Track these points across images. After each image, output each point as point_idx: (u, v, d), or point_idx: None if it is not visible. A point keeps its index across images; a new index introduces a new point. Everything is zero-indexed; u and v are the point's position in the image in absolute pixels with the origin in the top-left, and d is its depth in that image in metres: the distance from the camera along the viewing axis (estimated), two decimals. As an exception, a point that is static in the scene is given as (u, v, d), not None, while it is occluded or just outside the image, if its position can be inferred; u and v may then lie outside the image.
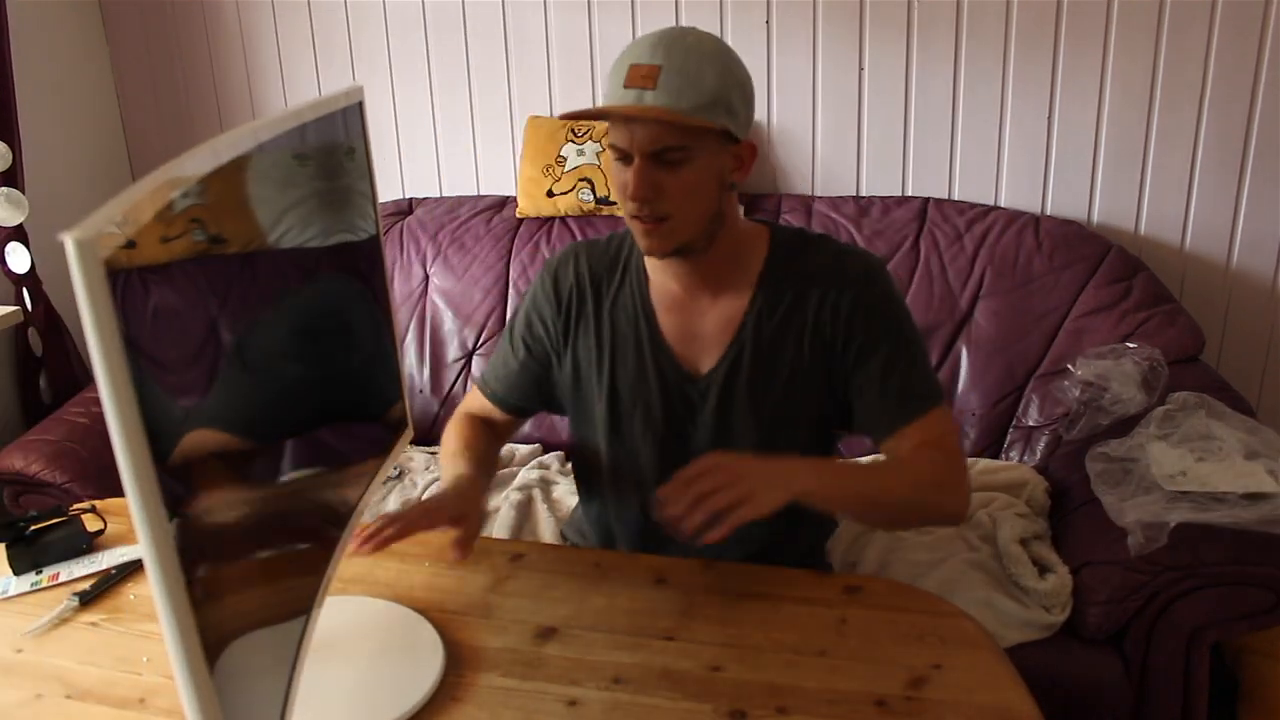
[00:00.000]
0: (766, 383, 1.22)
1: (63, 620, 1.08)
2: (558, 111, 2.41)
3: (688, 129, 1.11)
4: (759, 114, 2.30)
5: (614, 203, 2.24)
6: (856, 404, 1.22)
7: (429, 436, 2.26)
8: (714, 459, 1.03)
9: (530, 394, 1.35)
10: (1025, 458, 1.94)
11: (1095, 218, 2.19)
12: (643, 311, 1.26)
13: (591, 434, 1.32)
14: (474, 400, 1.40)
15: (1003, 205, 2.22)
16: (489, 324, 2.24)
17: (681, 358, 1.25)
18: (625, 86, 1.11)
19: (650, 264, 1.27)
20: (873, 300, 1.20)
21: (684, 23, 2.27)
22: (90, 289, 0.53)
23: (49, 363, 2.42)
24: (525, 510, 1.84)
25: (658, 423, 1.26)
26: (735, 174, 1.19)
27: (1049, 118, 2.15)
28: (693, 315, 1.25)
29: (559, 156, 2.29)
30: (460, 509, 1.13)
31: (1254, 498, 1.44)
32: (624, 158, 1.14)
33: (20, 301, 2.35)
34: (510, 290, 2.24)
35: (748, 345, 1.22)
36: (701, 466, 1.02)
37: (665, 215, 1.14)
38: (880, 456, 1.23)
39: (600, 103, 1.15)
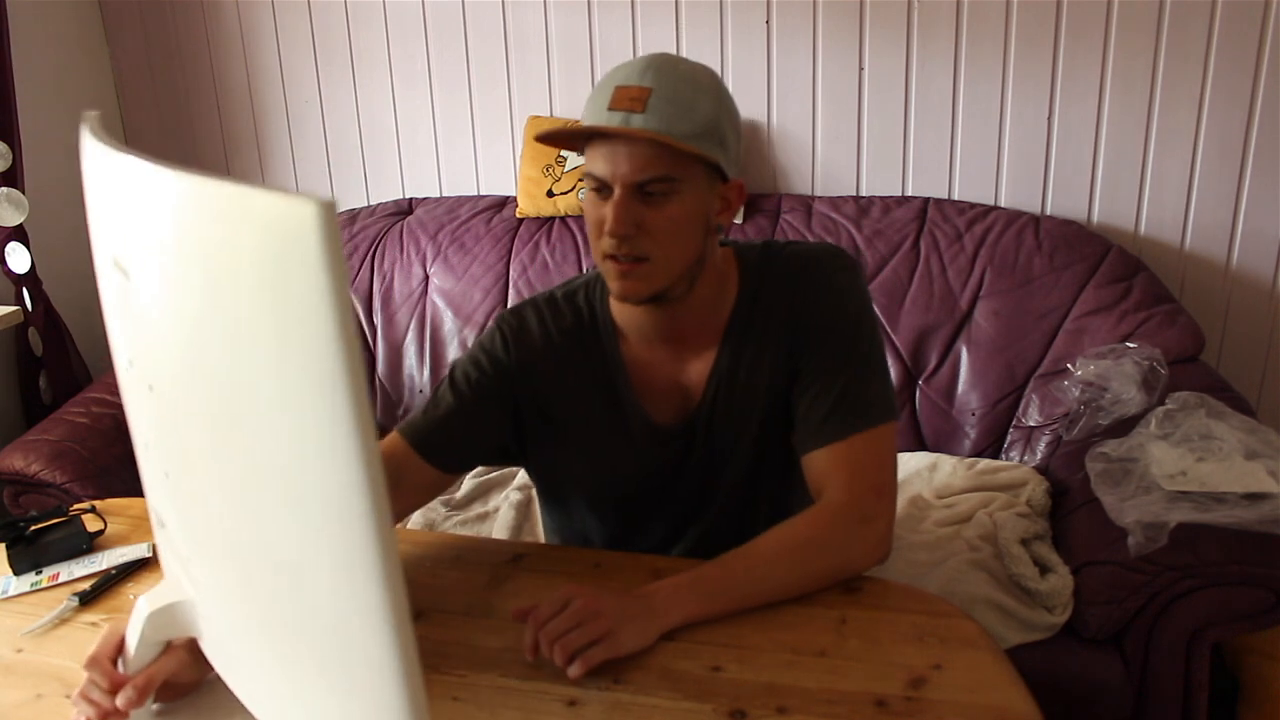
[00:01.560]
0: (744, 424, 1.18)
1: (62, 620, 1.08)
2: (557, 111, 2.41)
3: (677, 158, 1.02)
4: (759, 114, 2.30)
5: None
6: (795, 415, 1.15)
7: (429, 436, 2.26)
8: (570, 592, 0.97)
9: (474, 448, 1.21)
10: (1025, 458, 1.94)
11: (1095, 218, 2.19)
12: (616, 369, 1.19)
13: (567, 487, 1.28)
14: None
15: (1003, 205, 2.22)
16: (489, 324, 2.23)
17: (659, 414, 1.20)
18: (610, 108, 1.02)
19: (621, 317, 1.18)
20: (822, 313, 1.14)
21: (684, 24, 2.27)
22: (332, 257, 0.47)
23: (49, 363, 2.42)
24: (525, 510, 1.84)
25: (640, 477, 1.23)
26: (721, 216, 1.11)
27: (1049, 118, 2.15)
28: (666, 368, 1.19)
29: (559, 156, 2.29)
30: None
31: (1254, 498, 1.44)
32: (601, 189, 1.05)
33: (20, 301, 2.35)
34: (510, 290, 2.24)
35: (721, 391, 1.17)
36: (556, 603, 0.96)
37: (644, 255, 1.05)
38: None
39: (583, 119, 1.05)
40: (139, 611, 0.85)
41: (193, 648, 0.88)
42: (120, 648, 0.88)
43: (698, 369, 1.19)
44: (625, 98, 1.02)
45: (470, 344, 2.23)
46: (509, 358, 1.20)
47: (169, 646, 0.89)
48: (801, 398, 1.14)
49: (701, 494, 1.24)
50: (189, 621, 0.84)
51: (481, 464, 1.25)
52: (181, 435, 0.68)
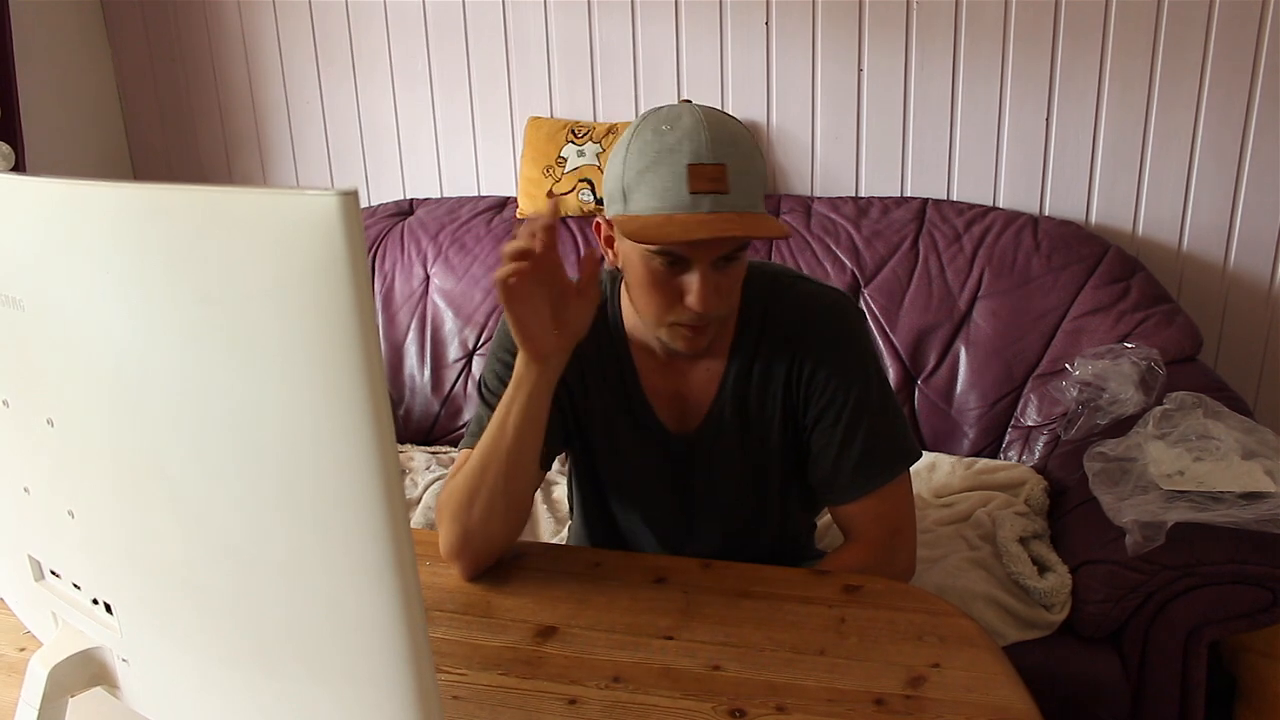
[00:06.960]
0: (750, 440, 1.22)
1: (66, 620, 1.08)
2: (558, 112, 2.41)
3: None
4: (759, 114, 2.30)
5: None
6: (815, 465, 1.21)
7: (429, 436, 2.27)
8: None
9: (554, 436, 1.18)
10: (1024, 457, 1.95)
11: (1093, 218, 2.20)
12: (627, 372, 1.22)
13: (601, 479, 1.30)
14: None
15: (1001, 206, 2.22)
16: (489, 324, 2.24)
17: (666, 418, 1.23)
18: (693, 191, 1.02)
19: (630, 322, 1.21)
20: (835, 365, 1.17)
21: (684, 24, 2.28)
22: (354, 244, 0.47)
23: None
24: (525, 510, 1.84)
25: (649, 479, 1.25)
26: None
27: (1047, 118, 2.16)
28: (673, 376, 1.22)
29: (559, 157, 2.30)
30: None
31: (1251, 497, 1.45)
32: (676, 262, 1.06)
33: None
34: (510, 290, 2.24)
35: (728, 406, 1.21)
36: None
37: (721, 316, 1.11)
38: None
39: (638, 191, 1.04)
40: (34, 675, 0.74)
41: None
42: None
43: (705, 379, 1.21)
44: (704, 178, 1.02)
45: (470, 344, 2.25)
46: None
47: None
48: (824, 444, 1.19)
49: (711, 496, 1.26)
50: (102, 669, 0.77)
51: (563, 449, 1.27)
52: (110, 463, 0.63)
